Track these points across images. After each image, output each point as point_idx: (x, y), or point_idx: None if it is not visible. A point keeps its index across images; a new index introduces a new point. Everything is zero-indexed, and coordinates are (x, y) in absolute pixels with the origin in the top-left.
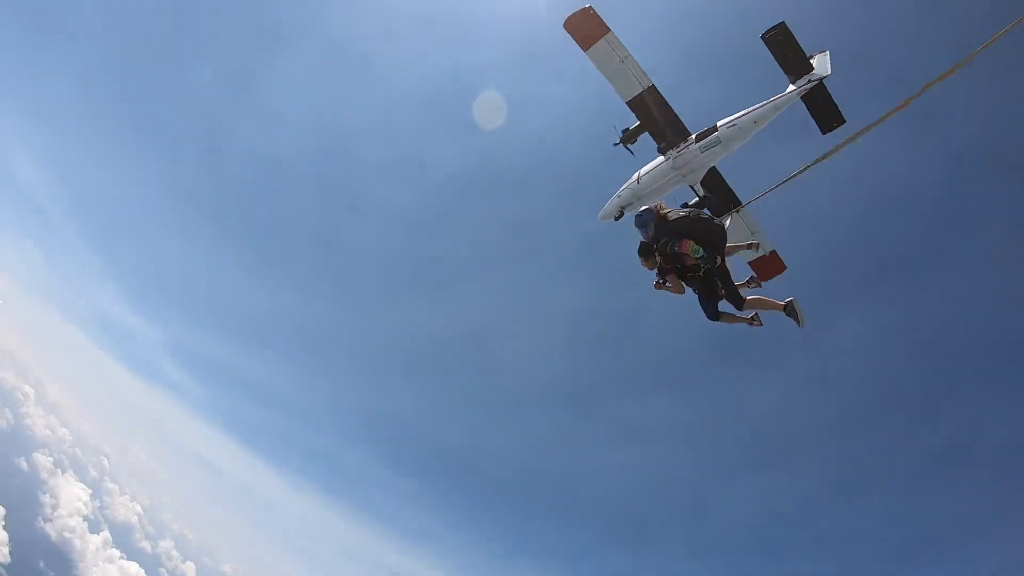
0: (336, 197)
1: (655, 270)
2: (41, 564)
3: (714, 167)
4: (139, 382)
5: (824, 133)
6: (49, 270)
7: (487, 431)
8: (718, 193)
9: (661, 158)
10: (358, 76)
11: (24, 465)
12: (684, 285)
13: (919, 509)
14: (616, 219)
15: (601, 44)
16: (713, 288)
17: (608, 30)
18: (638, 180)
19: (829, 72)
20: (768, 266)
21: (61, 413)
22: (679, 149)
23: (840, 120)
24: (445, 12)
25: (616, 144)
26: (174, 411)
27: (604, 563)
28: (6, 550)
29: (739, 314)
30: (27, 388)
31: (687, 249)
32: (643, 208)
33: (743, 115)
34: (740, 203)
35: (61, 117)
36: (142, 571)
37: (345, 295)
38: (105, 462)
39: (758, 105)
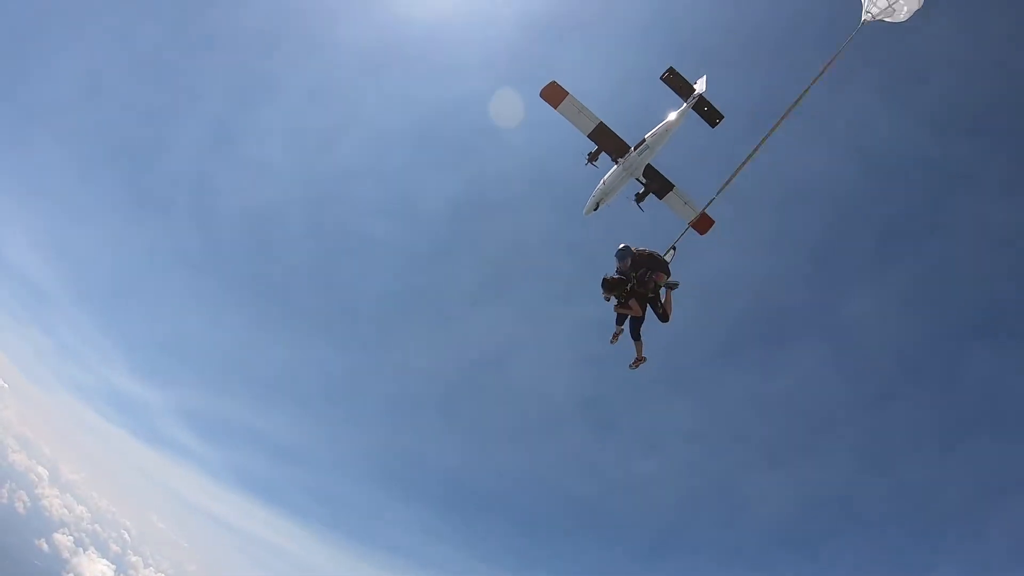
0: (331, 241)
1: (611, 298)
2: None
3: (649, 164)
4: (152, 452)
5: (713, 127)
6: (55, 350)
7: (509, 459)
8: (655, 181)
9: (615, 166)
10: (341, 117)
11: (45, 546)
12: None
13: (952, 478)
14: (595, 210)
15: (565, 103)
16: (646, 307)
17: (567, 93)
18: (603, 183)
19: (704, 89)
20: (704, 223)
21: (77, 491)
22: (625, 157)
23: (720, 116)
24: (424, 47)
25: (585, 164)
26: (190, 477)
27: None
28: None
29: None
30: (40, 469)
31: (662, 280)
32: (621, 246)
33: (659, 126)
34: (672, 185)
35: (47, 192)
36: None
37: (350, 338)
38: (126, 535)
39: (667, 118)
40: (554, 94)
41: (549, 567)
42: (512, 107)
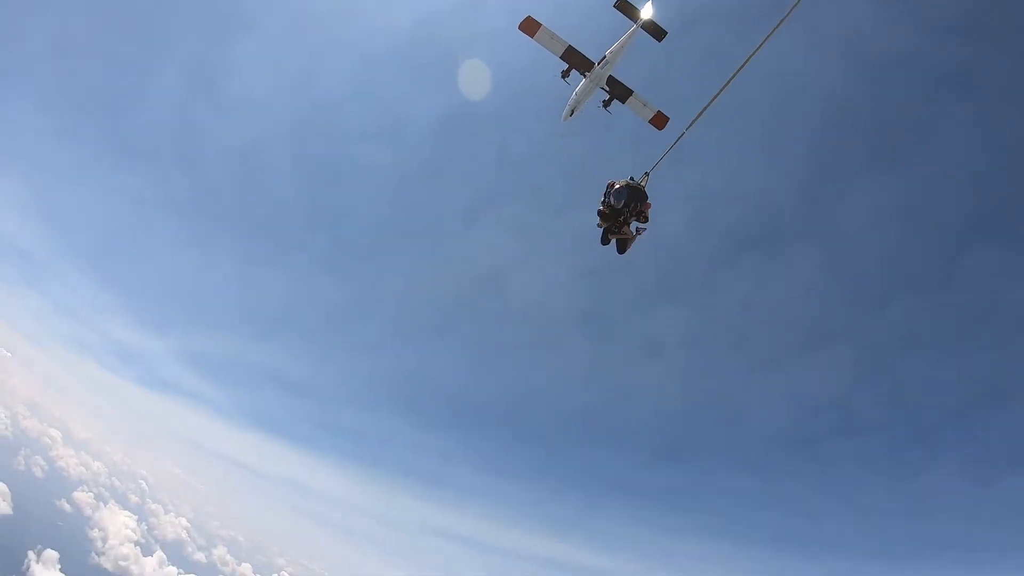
0: (319, 171)
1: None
2: None
3: (611, 75)
4: (161, 399)
5: (659, 41)
6: (53, 311)
7: (513, 375)
8: (617, 88)
9: (583, 79)
10: (321, 44)
11: (67, 506)
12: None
13: (948, 381)
14: (571, 116)
15: (540, 33)
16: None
17: (541, 25)
18: (575, 94)
19: (652, 12)
20: (659, 120)
21: (91, 448)
22: (591, 71)
23: (664, 33)
24: None
25: (561, 77)
26: (200, 420)
27: (656, 479)
28: None
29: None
30: (53, 432)
31: (648, 209)
32: (617, 187)
33: (616, 44)
34: (631, 91)
35: (24, 154)
36: None
37: (346, 266)
38: (144, 485)
39: (622, 37)
40: (530, 27)
41: (560, 476)
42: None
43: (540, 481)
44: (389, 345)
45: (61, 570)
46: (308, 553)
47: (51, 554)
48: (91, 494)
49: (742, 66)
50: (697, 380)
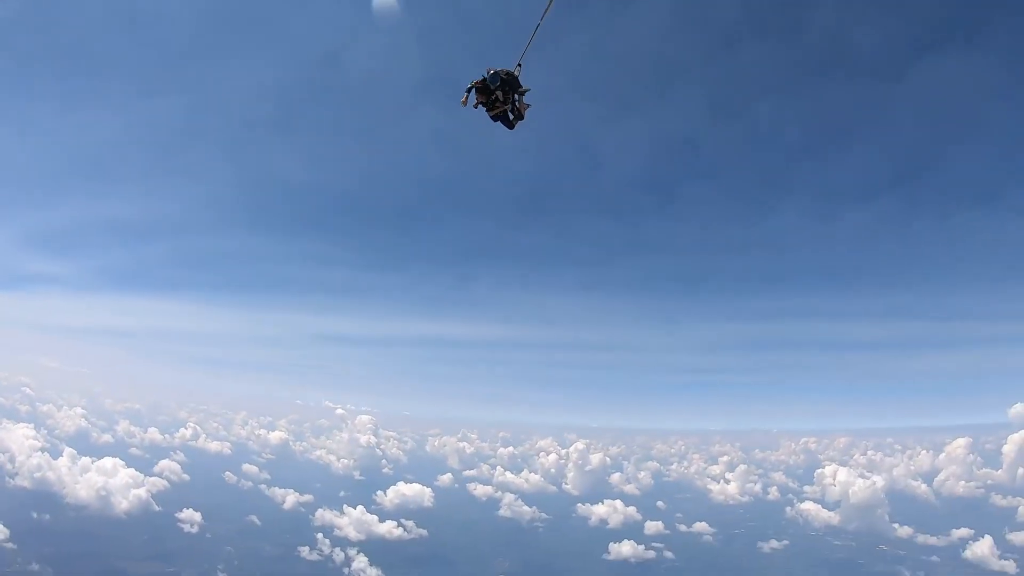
0: None
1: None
2: (34, 515)
3: None
4: (11, 297)
5: None
6: None
7: (364, 157)
8: None
9: None
10: None
11: None
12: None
13: (797, 120)
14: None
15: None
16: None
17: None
18: None
19: None
20: None
21: None
22: None
23: None
24: None
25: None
26: (57, 303)
27: (521, 239)
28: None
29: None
30: None
31: (524, 108)
32: (492, 72)
33: None
34: None
35: None
36: (118, 460)
37: (160, 80)
38: (28, 391)
39: None
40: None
41: (429, 257)
42: None
43: (411, 265)
44: (228, 156)
45: None
46: (206, 398)
47: None
48: None
49: None
50: (553, 134)
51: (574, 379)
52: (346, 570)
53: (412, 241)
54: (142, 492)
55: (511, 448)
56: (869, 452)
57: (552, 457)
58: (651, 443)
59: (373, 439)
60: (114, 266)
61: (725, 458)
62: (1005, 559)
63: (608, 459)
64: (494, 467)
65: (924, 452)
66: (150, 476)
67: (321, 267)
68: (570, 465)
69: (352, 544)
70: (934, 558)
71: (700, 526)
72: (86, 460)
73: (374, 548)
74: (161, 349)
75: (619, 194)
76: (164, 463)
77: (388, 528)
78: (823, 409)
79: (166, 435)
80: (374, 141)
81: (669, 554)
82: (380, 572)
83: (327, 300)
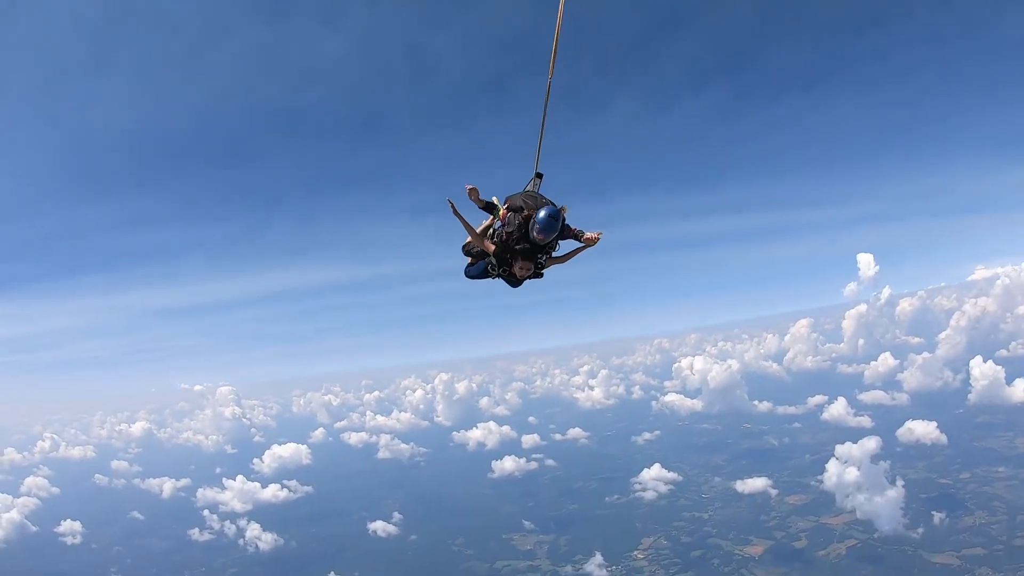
0: None
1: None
2: None
3: None
4: None
5: None
6: None
7: (185, 88)
8: None
9: None
10: None
11: None
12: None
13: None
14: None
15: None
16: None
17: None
18: None
19: None
20: None
21: None
22: None
23: None
24: None
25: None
26: None
27: (357, 161)
28: None
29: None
30: None
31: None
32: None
33: None
34: None
35: None
36: None
37: None
38: None
39: None
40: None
41: (264, 198)
42: None
43: (246, 211)
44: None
45: None
46: (56, 407)
47: None
48: None
49: None
50: (378, 46)
51: (426, 315)
52: (240, 541)
53: (244, 182)
54: (14, 515)
55: (377, 392)
56: (720, 343)
57: (419, 393)
58: (512, 367)
59: (237, 410)
60: None
61: (585, 368)
62: (860, 416)
63: (474, 386)
64: (363, 414)
65: (770, 336)
66: (18, 498)
67: (147, 229)
68: (438, 398)
69: (241, 515)
70: (796, 424)
71: (575, 432)
72: None
73: (263, 514)
74: (10, 360)
75: (452, 95)
76: (30, 480)
77: (273, 492)
78: (670, 311)
79: (24, 452)
80: (193, 71)
81: (551, 462)
82: (276, 535)
83: (156, 269)
